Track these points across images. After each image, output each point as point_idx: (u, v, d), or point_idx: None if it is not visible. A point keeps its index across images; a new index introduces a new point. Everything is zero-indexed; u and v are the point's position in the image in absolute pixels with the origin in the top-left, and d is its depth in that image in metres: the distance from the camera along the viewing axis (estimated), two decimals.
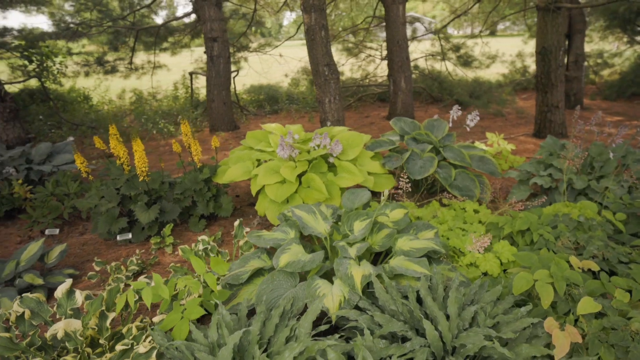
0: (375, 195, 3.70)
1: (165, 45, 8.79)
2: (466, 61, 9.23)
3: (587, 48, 11.22)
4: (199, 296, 1.82)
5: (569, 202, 2.92)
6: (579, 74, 7.73)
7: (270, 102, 8.77)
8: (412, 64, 9.86)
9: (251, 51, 8.42)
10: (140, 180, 2.76)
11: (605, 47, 11.07)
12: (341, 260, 1.82)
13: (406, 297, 1.76)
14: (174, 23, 8.47)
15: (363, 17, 9.41)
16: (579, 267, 1.96)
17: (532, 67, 10.93)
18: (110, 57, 7.61)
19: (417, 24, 9.99)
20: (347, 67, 10.55)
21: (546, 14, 5.20)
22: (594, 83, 10.80)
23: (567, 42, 7.79)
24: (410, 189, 3.29)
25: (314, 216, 2.21)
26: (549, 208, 2.82)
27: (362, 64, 10.52)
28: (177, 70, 8.86)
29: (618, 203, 2.69)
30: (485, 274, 2.20)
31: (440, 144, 3.90)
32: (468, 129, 3.85)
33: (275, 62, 8.89)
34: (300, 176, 3.11)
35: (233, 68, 8.40)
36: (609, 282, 1.80)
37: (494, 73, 12.01)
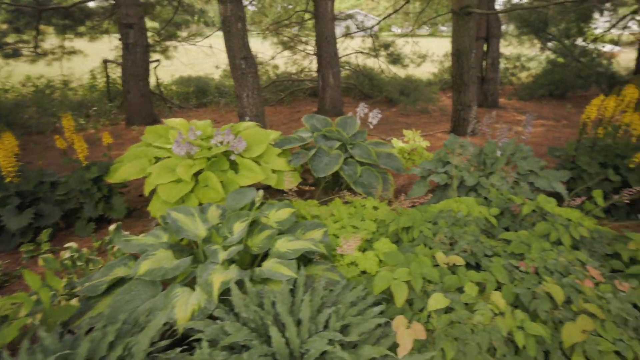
0: (281, 193, 3.68)
1: (82, 29, 8.16)
2: (395, 59, 9.47)
3: (507, 51, 11.99)
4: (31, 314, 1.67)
5: (459, 198, 3.08)
6: (495, 75, 8.21)
7: (199, 95, 8.47)
8: (345, 60, 9.98)
9: (179, 41, 8.05)
10: (7, 181, 2.52)
11: (523, 52, 11.87)
12: (206, 266, 1.76)
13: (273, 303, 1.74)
14: (91, 5, 7.89)
15: (294, 11, 9.33)
16: (445, 263, 2.06)
17: None
18: (10, 39, 6.90)
19: (350, 21, 10.07)
20: (282, 60, 10.45)
21: (459, 19, 5.44)
22: (512, 84, 11.56)
23: (486, 46, 8.24)
24: (313, 187, 3.31)
25: (192, 218, 2.13)
26: (440, 204, 2.94)
27: (297, 58, 10.47)
28: (96, 57, 8.26)
29: (499, 198, 2.87)
30: (365, 272, 2.25)
31: (350, 141, 3.95)
32: (371, 126, 3.93)
33: (208, 53, 8.58)
34: (198, 175, 3.01)
35: (157, 57, 8.00)
36: (465, 276, 1.90)
37: (425, 72, 12.44)
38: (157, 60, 7.52)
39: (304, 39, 9.71)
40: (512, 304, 1.93)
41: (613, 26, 9.40)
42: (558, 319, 1.78)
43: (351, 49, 9.51)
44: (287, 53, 10.29)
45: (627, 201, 2.83)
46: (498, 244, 2.31)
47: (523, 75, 11.60)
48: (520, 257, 2.15)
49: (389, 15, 8.98)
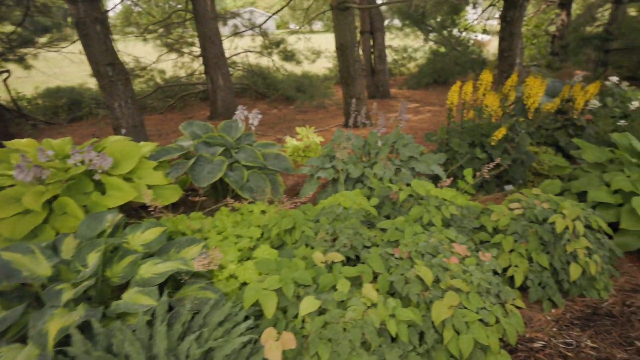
0: (167, 208, 3.40)
1: None
2: (287, 56, 9.46)
3: (395, 43, 12.69)
4: None
5: (345, 191, 3.11)
6: (383, 67, 8.61)
7: (72, 108, 7.60)
8: (237, 59, 9.72)
9: (38, 47, 7.10)
10: None
11: (408, 43, 12.64)
12: (43, 313, 1.50)
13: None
14: None
15: (173, 10, 8.82)
16: (323, 262, 2.02)
17: None
18: None
19: (239, 20, 9.81)
20: (170, 64, 9.85)
21: (339, 13, 5.55)
22: (403, 74, 12.29)
23: (372, 39, 8.58)
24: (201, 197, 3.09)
25: (33, 256, 1.82)
26: (327, 200, 2.93)
27: (185, 60, 9.95)
28: None
29: (380, 188, 2.94)
30: (246, 283, 2.13)
31: (235, 146, 3.79)
32: (253, 127, 3.82)
33: (76, 60, 7.70)
34: (54, 201, 2.63)
35: (10, 67, 6.97)
36: (340, 273, 1.87)
37: (321, 67, 12.66)
38: (7, 71, 6.56)
39: (190, 40, 9.24)
40: (389, 292, 1.96)
41: (478, 17, 10.40)
42: (429, 299, 1.84)
43: (241, 48, 9.29)
44: (174, 56, 9.72)
45: (488, 176, 3.07)
46: (377, 233, 2.35)
47: (411, 65, 12.39)
48: (396, 244, 2.20)
49: (277, 12, 8.92)
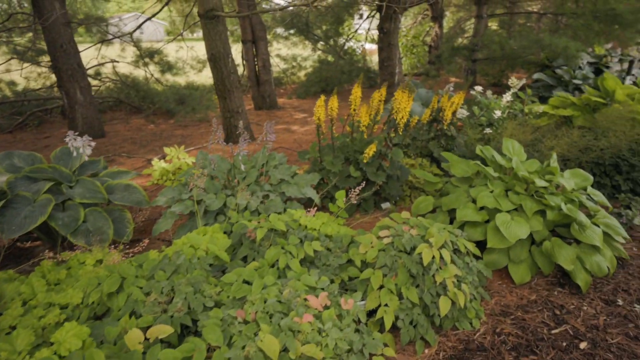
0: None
1: None
2: (164, 68, 8.63)
3: (284, 52, 12.51)
4: None
5: (205, 227, 2.64)
6: (268, 77, 8.28)
7: None
8: (106, 70, 8.62)
9: None
10: None
11: (297, 52, 12.55)
12: None
13: None
14: None
15: (10, 12, 7.49)
16: (141, 342, 1.54)
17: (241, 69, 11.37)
18: None
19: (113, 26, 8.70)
20: (21, 73, 8.35)
21: (207, 23, 5.05)
22: (294, 83, 12.13)
23: (254, 49, 8.21)
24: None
25: None
26: (180, 240, 2.44)
27: (42, 71, 8.56)
28: None
29: (239, 222, 2.53)
30: None
31: (74, 178, 3.09)
32: (86, 157, 3.17)
33: None
34: None
35: None
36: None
37: (208, 77, 11.95)
38: None
39: (45, 47, 7.92)
40: None
41: (358, 27, 10.68)
42: None
43: (109, 58, 8.23)
44: (27, 65, 8.28)
45: (355, 201, 2.85)
46: (224, 286, 1.93)
47: (302, 74, 12.30)
48: (243, 302, 1.80)
49: (148, 19, 8.06)
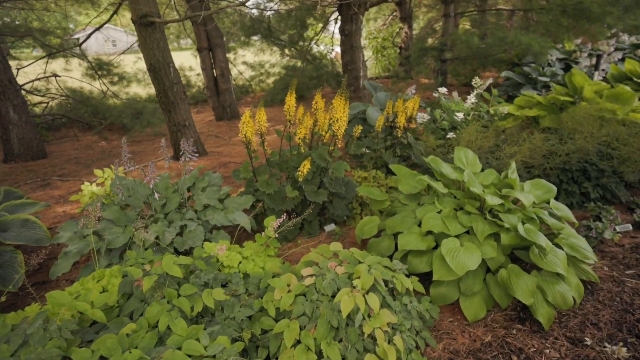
0: None
1: None
2: (114, 80, 8.13)
3: (250, 59, 12.09)
4: None
5: (106, 270, 2.21)
6: (227, 85, 7.85)
7: None
8: (51, 87, 8.06)
9: None
10: None
11: (264, 58, 12.15)
12: None
13: None
14: None
15: None
16: None
17: (201, 80, 10.92)
18: None
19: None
20: None
21: (142, 30, 4.62)
22: (264, 90, 11.72)
23: (211, 57, 7.78)
24: None
25: None
26: (72, 287, 2.01)
27: None
28: None
29: (138, 264, 2.10)
30: None
31: None
32: None
33: None
34: None
35: None
36: None
37: None
38: None
39: None
40: None
41: (321, 31, 10.34)
42: None
43: (51, 72, 7.68)
44: None
45: (293, 222, 2.46)
46: None
47: (270, 81, 11.91)
48: None
49: (97, 29, 7.55)
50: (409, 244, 2.14)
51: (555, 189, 2.51)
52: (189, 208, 2.79)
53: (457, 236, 2.15)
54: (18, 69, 6.91)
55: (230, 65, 11.49)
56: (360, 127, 3.12)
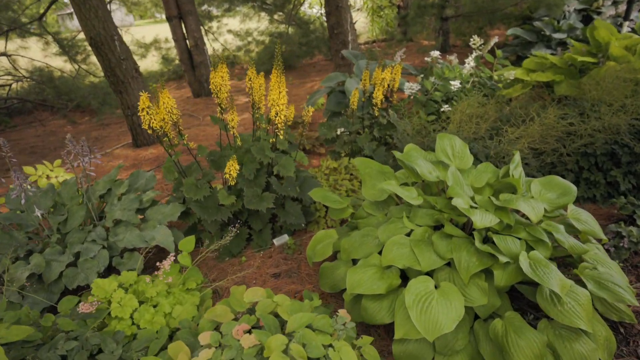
0: None
1: None
2: (76, 58, 7.38)
3: (236, 26, 11.17)
4: None
5: None
6: (203, 58, 7.09)
7: None
8: (26, 64, 7.37)
9: None
10: None
11: (252, 25, 11.22)
12: None
13: None
14: None
15: None
16: None
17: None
18: None
19: None
20: None
21: None
22: (251, 62, 10.84)
23: (183, 26, 6.98)
24: None
25: None
26: None
27: None
28: None
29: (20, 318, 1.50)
30: None
31: None
32: None
33: None
34: None
35: None
36: None
37: (153, 62, 10.70)
38: None
39: None
40: None
41: None
42: None
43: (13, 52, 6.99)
44: None
45: (230, 236, 1.83)
46: None
47: (260, 50, 11.03)
48: None
49: (53, 2, 6.77)
50: (361, 284, 1.50)
51: (574, 190, 1.82)
52: (98, 225, 2.17)
53: (430, 273, 1.50)
54: None
55: (214, 35, 10.64)
56: (312, 110, 2.41)
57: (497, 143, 2.46)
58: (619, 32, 4.00)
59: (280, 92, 2.02)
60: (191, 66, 7.11)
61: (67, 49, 7.47)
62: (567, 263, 1.79)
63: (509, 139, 2.35)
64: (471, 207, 1.61)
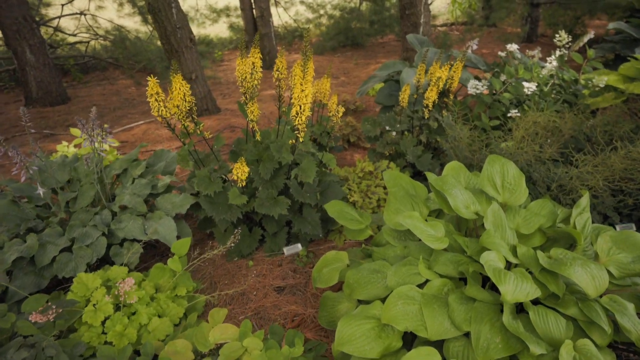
0: None
1: None
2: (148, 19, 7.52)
3: None
4: None
5: None
6: (267, 30, 6.92)
7: None
8: (102, 23, 7.69)
9: None
10: None
11: None
12: None
13: None
14: None
15: None
16: None
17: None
18: None
19: None
20: None
21: None
22: (321, 36, 10.54)
23: None
24: None
25: None
26: None
27: None
28: None
29: None
30: None
31: None
32: None
33: None
34: None
35: None
36: None
37: (224, 29, 10.74)
38: None
39: None
40: None
41: None
42: None
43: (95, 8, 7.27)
44: None
45: (234, 241, 1.67)
46: None
47: (331, 23, 10.65)
48: None
49: None
50: (351, 341, 1.24)
51: None
52: (107, 208, 2.09)
53: (439, 343, 1.21)
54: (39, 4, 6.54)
55: (287, 5, 10.41)
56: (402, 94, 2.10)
57: (566, 171, 2.01)
58: None
59: (303, 89, 1.75)
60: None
61: (141, 9, 7.66)
62: (632, 352, 1.39)
63: (578, 171, 1.90)
64: (507, 263, 1.27)
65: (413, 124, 2.85)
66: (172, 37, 4.19)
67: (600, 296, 1.28)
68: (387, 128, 2.89)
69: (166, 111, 1.83)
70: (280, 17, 9.80)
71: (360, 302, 1.54)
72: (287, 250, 2.08)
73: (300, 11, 10.89)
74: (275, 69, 1.97)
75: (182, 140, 2.02)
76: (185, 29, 4.27)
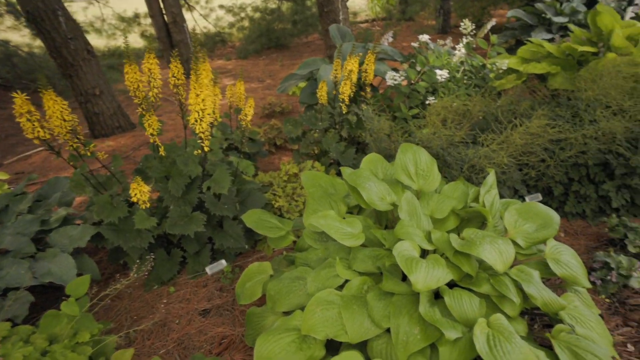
0: None
1: None
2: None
3: (229, 2, 10.55)
4: None
5: None
6: (183, 36, 6.61)
7: None
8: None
9: None
10: None
11: (246, 0, 10.59)
12: None
13: None
14: None
15: None
16: None
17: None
18: None
19: None
20: None
21: None
22: (243, 39, 10.31)
23: (161, 1, 6.49)
24: None
25: None
26: None
27: None
28: None
29: None
30: None
31: None
32: None
33: None
34: None
35: None
36: None
37: (137, 39, 10.16)
38: None
39: None
40: None
41: None
42: None
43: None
44: None
45: (149, 266, 1.50)
46: None
47: (252, 25, 10.46)
48: None
49: None
50: (271, 358, 1.16)
51: (557, 221, 1.47)
52: None
53: (361, 345, 1.16)
54: None
55: (206, 11, 10.06)
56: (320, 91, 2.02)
57: (475, 152, 2.09)
58: (622, 18, 3.56)
59: (198, 94, 1.64)
60: (170, 45, 6.65)
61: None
62: (542, 315, 1.45)
63: (485, 150, 1.97)
64: (423, 251, 1.26)
65: (335, 121, 2.83)
66: (64, 50, 3.82)
67: (511, 268, 1.32)
68: (311, 129, 2.84)
69: (44, 132, 1.63)
70: (197, 23, 9.46)
71: (285, 314, 1.46)
72: (210, 269, 1.95)
73: (220, 15, 10.59)
74: (170, 74, 1.83)
75: (72, 164, 1.82)
76: (80, 40, 3.91)
